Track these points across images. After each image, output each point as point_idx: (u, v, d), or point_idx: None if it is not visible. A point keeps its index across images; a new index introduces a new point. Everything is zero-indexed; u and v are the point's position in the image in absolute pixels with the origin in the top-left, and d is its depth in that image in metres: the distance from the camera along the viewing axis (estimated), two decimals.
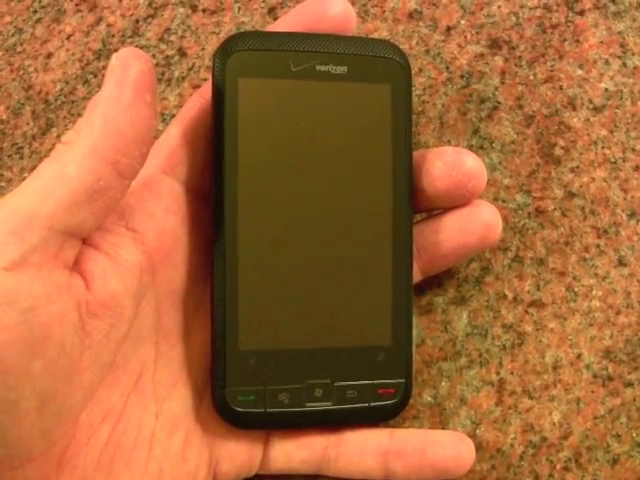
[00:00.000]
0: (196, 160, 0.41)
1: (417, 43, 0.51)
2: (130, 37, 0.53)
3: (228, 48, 0.40)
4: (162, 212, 0.40)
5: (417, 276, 0.44)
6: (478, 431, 0.45)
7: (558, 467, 0.44)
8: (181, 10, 0.53)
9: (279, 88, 0.40)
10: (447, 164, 0.42)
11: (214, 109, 0.40)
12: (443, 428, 0.45)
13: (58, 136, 0.51)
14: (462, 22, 0.52)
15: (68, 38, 0.53)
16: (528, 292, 0.47)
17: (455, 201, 0.43)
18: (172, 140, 0.41)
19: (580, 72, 0.50)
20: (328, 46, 0.41)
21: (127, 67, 0.35)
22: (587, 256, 0.47)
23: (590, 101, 0.50)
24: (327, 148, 0.41)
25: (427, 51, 0.51)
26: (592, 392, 0.45)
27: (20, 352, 0.32)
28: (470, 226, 0.43)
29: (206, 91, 0.41)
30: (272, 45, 0.40)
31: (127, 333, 0.38)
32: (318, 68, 0.41)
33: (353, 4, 0.52)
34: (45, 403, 0.34)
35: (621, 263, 0.47)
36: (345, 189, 0.41)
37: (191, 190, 0.41)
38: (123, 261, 0.37)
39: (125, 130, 0.35)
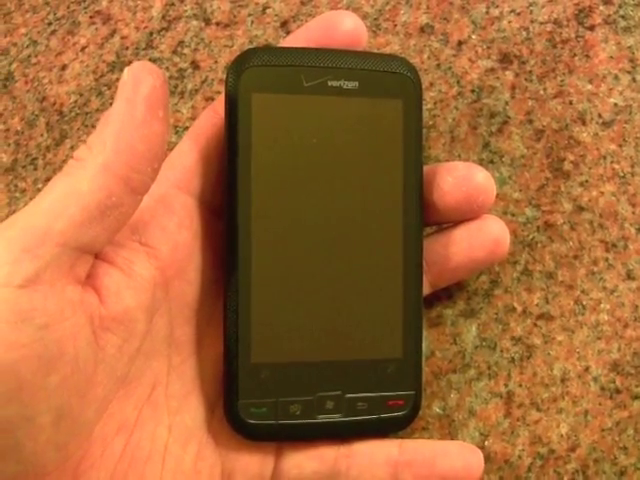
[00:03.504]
0: (209, 175, 0.41)
1: (428, 57, 0.52)
2: (144, 50, 0.53)
3: (241, 64, 0.40)
4: (175, 227, 0.40)
5: (426, 289, 0.44)
6: (486, 443, 0.45)
7: (565, 479, 0.44)
8: (194, 23, 0.54)
9: (291, 103, 0.41)
10: (457, 179, 0.43)
11: (227, 124, 0.40)
12: (452, 439, 0.45)
13: (72, 147, 0.51)
14: (473, 37, 0.52)
15: (82, 50, 0.54)
16: (537, 305, 0.47)
17: (465, 215, 0.44)
18: (185, 155, 0.41)
19: (590, 87, 0.51)
20: (340, 61, 0.41)
21: (139, 82, 0.35)
22: (595, 270, 0.48)
23: (599, 116, 0.50)
24: (339, 163, 0.41)
25: (438, 65, 0.51)
26: (600, 405, 0.45)
27: (36, 369, 0.32)
28: (479, 241, 0.43)
29: (219, 106, 0.41)
30: (284, 61, 0.40)
31: (140, 347, 0.38)
32: (330, 83, 0.41)
33: (365, 18, 0.52)
34: (60, 418, 0.34)
35: (629, 277, 0.47)
36: (357, 203, 0.41)
37: (204, 205, 0.41)
38: (137, 276, 0.38)
39: (137, 147, 0.35)
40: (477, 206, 0.43)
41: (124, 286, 0.37)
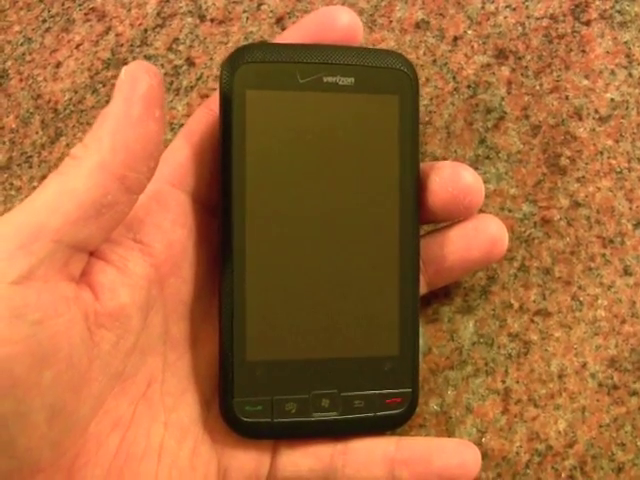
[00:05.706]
0: (204, 172, 0.41)
1: (424, 53, 0.51)
2: (139, 47, 0.53)
3: (235, 60, 0.40)
4: (170, 224, 0.40)
5: (423, 288, 0.44)
6: (484, 439, 0.45)
7: (563, 475, 0.44)
8: (189, 20, 0.54)
9: (286, 100, 0.40)
10: (443, 179, 0.42)
11: (222, 121, 0.40)
12: (449, 436, 0.45)
13: (67, 145, 0.51)
14: (469, 32, 0.52)
15: (77, 47, 0.54)
16: (534, 301, 0.47)
17: (453, 216, 0.43)
18: (180, 152, 0.41)
19: (586, 82, 0.50)
20: (335, 57, 0.41)
21: (136, 82, 0.35)
22: (592, 265, 0.47)
23: (596, 111, 0.50)
24: (335, 160, 0.41)
25: (434, 61, 0.51)
26: (597, 401, 0.45)
27: (29, 365, 0.32)
28: (475, 240, 0.43)
29: (213, 103, 0.41)
30: (279, 57, 0.40)
31: (135, 344, 0.38)
32: (325, 79, 0.41)
33: (360, 14, 0.52)
34: (54, 414, 0.34)
35: (626, 272, 0.47)
36: (353, 200, 0.41)
37: (199, 202, 0.41)
38: (131, 273, 0.38)
39: (134, 146, 0.35)
40: (464, 207, 0.42)
41: (119, 283, 0.37)
